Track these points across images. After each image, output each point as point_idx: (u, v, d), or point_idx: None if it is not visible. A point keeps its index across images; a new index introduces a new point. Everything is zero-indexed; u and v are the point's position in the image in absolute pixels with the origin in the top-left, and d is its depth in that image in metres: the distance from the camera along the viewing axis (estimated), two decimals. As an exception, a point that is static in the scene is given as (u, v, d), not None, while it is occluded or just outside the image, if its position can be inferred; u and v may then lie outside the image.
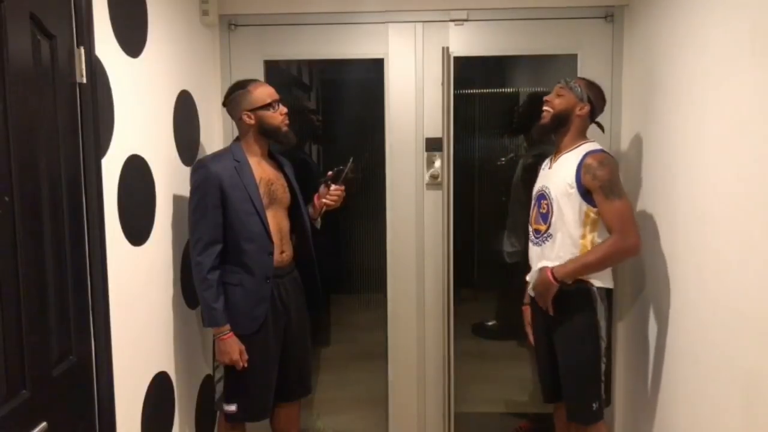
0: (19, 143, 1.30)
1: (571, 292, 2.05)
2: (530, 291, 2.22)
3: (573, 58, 2.64)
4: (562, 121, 2.11)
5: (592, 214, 2.03)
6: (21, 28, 1.33)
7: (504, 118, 3.05)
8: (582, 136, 2.14)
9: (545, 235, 2.12)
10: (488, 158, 3.07)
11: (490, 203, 3.13)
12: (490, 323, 3.27)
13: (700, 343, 1.84)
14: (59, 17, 1.49)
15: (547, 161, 2.25)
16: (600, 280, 2.07)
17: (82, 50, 1.56)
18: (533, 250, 2.20)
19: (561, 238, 2.07)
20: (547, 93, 2.18)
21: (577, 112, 2.10)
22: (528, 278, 2.22)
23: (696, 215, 1.87)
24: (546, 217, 2.13)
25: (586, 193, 2.02)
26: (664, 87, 2.13)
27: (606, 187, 1.98)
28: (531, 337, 2.30)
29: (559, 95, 2.12)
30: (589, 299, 2.05)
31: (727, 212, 1.66)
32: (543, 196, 2.16)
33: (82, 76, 1.56)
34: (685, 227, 1.93)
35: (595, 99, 2.13)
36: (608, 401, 2.16)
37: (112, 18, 1.76)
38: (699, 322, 1.85)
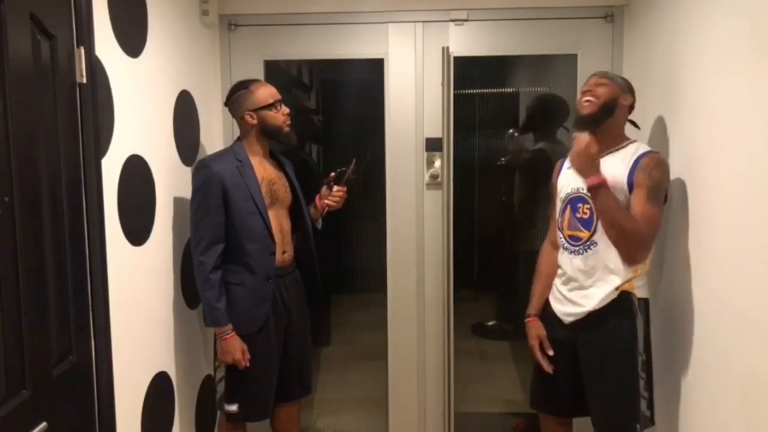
0: (19, 143, 1.30)
1: (610, 304, 1.91)
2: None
3: (573, 58, 2.64)
4: (608, 111, 1.93)
5: None
6: (21, 28, 1.33)
7: (504, 117, 3.05)
8: (625, 134, 2.00)
9: (587, 242, 1.94)
10: (488, 158, 3.06)
11: (490, 203, 3.13)
12: (490, 323, 3.27)
13: (701, 343, 1.84)
14: (59, 17, 1.49)
15: (565, 162, 2.08)
16: (641, 290, 1.92)
17: (82, 50, 1.56)
18: (571, 260, 1.99)
19: (608, 245, 1.90)
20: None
21: (623, 102, 1.95)
22: (539, 293, 2.12)
23: (696, 215, 1.87)
24: (589, 223, 1.94)
25: (630, 192, 1.88)
26: (664, 87, 2.13)
27: (653, 189, 1.85)
28: (544, 361, 2.07)
29: (601, 84, 1.95)
30: (630, 312, 1.90)
31: (728, 212, 1.66)
32: (582, 199, 1.97)
33: (82, 76, 1.56)
34: (685, 227, 1.93)
35: (633, 92, 2.00)
36: (653, 419, 1.95)
37: (112, 18, 1.76)
38: (699, 323, 1.85)
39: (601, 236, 1.92)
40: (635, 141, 1.99)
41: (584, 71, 2.59)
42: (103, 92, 1.69)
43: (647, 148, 1.93)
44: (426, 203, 2.73)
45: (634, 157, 1.90)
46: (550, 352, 2.06)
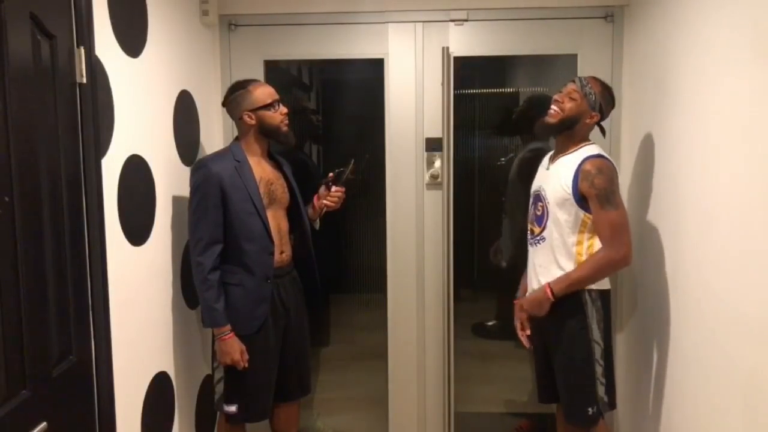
0: (19, 143, 1.30)
1: (560, 297, 2.03)
2: (522, 295, 2.23)
3: (573, 58, 2.64)
4: (568, 125, 2.04)
5: (589, 222, 1.99)
6: (21, 28, 1.33)
7: (504, 118, 3.05)
8: (584, 139, 2.08)
9: (538, 237, 2.11)
10: (488, 158, 3.06)
11: (490, 203, 3.13)
12: (490, 323, 3.27)
13: (701, 343, 1.84)
14: (59, 17, 1.49)
15: (546, 159, 2.20)
16: (596, 284, 2.04)
17: (82, 50, 1.56)
18: (529, 250, 2.19)
19: (553, 244, 2.04)
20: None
21: (586, 120, 2.04)
22: (526, 281, 2.22)
23: (696, 215, 1.87)
24: (541, 219, 2.10)
25: (582, 200, 1.98)
26: (664, 87, 2.13)
27: (602, 196, 1.94)
28: (523, 338, 2.26)
29: (572, 98, 2.03)
30: (579, 303, 2.03)
31: (728, 212, 1.66)
32: (539, 197, 2.12)
33: (82, 76, 1.56)
34: (685, 227, 1.93)
35: (606, 106, 2.07)
36: (612, 404, 2.08)
37: (112, 18, 1.76)
38: (699, 323, 1.84)
39: (548, 234, 2.06)
40: (591, 143, 2.07)
41: (584, 71, 2.59)
42: (103, 92, 1.69)
43: (592, 152, 2.00)
44: (426, 203, 2.73)
45: (578, 161, 1.99)
46: (527, 332, 2.24)
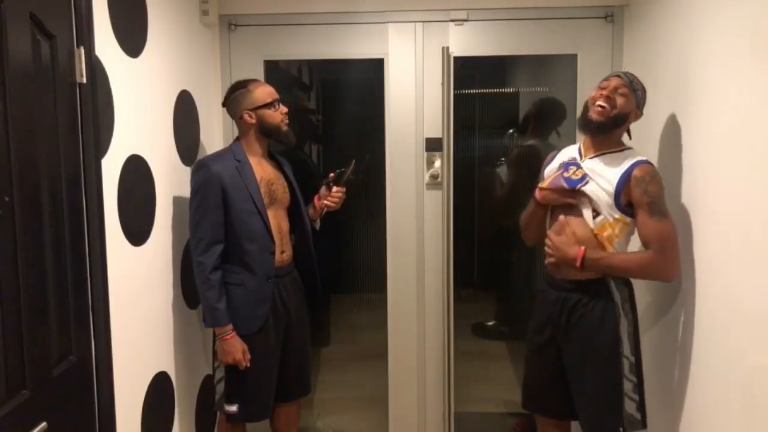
0: (19, 143, 1.30)
1: (592, 305, 1.93)
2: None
3: (573, 58, 2.64)
4: (618, 123, 1.91)
5: (622, 223, 1.88)
6: (21, 28, 1.33)
7: (504, 118, 3.05)
8: (620, 140, 1.98)
9: (578, 181, 1.94)
10: (488, 158, 3.07)
11: (490, 203, 3.13)
12: (490, 323, 3.27)
13: (701, 343, 1.84)
14: (59, 17, 1.49)
15: (566, 156, 2.05)
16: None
17: (82, 50, 1.56)
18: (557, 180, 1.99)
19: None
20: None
21: (632, 118, 1.94)
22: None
23: (696, 214, 1.87)
24: (576, 183, 1.94)
25: (626, 205, 1.87)
26: (663, 87, 2.13)
27: (654, 204, 1.82)
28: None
29: (623, 95, 1.89)
30: (613, 314, 1.91)
31: (728, 211, 1.66)
32: (575, 164, 1.97)
33: (82, 76, 1.56)
34: (685, 227, 1.93)
35: (643, 104, 1.97)
36: (644, 423, 1.93)
37: (112, 18, 1.76)
38: (699, 322, 1.84)
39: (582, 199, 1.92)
40: (629, 148, 1.97)
41: (584, 71, 2.59)
42: (103, 92, 1.69)
43: (640, 158, 1.90)
44: (426, 203, 2.73)
45: (626, 166, 1.87)
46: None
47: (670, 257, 1.82)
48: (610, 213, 1.90)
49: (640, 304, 2.38)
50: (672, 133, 2.05)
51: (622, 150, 1.95)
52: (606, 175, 1.90)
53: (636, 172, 1.85)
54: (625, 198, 1.87)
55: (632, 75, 1.95)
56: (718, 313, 1.72)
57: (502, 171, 3.01)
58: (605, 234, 1.91)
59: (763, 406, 1.49)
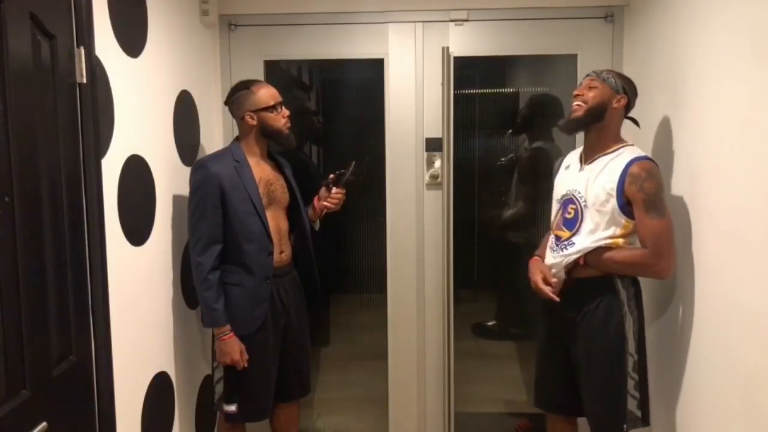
0: (19, 143, 1.30)
1: (598, 303, 1.93)
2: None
3: (573, 58, 2.64)
4: (597, 115, 1.92)
5: (628, 228, 1.88)
6: (21, 28, 1.33)
7: (504, 118, 3.05)
8: (619, 136, 1.98)
9: (566, 242, 1.97)
10: (488, 158, 3.07)
11: (490, 203, 3.13)
12: (490, 323, 3.27)
13: (700, 343, 1.84)
14: (59, 17, 1.49)
15: (571, 160, 2.08)
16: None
17: (82, 50, 1.56)
18: (549, 255, 2.04)
19: (583, 249, 1.92)
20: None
21: (614, 104, 1.92)
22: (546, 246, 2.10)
23: (696, 214, 1.87)
24: (572, 223, 1.96)
25: (626, 205, 1.86)
26: (664, 87, 2.13)
27: (650, 201, 1.82)
28: (548, 291, 1.99)
29: (591, 87, 1.94)
30: (618, 312, 1.92)
31: (728, 211, 1.66)
32: (571, 200, 1.98)
33: (82, 76, 1.56)
34: (684, 226, 1.93)
35: (630, 90, 1.96)
36: (645, 420, 1.95)
37: (112, 18, 1.76)
38: (699, 322, 1.85)
39: (579, 239, 1.93)
40: (630, 145, 1.96)
41: (584, 71, 2.56)
42: (103, 92, 1.69)
43: (638, 154, 1.89)
44: (426, 203, 2.73)
45: (624, 163, 1.87)
46: (554, 280, 1.99)
47: (664, 256, 1.84)
48: (617, 221, 1.89)
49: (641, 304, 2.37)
50: (671, 132, 2.05)
51: (621, 147, 1.95)
52: (607, 175, 1.91)
53: (633, 169, 1.85)
54: (625, 197, 1.87)
55: (604, 70, 2.00)
56: (717, 312, 1.72)
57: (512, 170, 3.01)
58: (620, 243, 1.92)
59: (763, 406, 1.49)
